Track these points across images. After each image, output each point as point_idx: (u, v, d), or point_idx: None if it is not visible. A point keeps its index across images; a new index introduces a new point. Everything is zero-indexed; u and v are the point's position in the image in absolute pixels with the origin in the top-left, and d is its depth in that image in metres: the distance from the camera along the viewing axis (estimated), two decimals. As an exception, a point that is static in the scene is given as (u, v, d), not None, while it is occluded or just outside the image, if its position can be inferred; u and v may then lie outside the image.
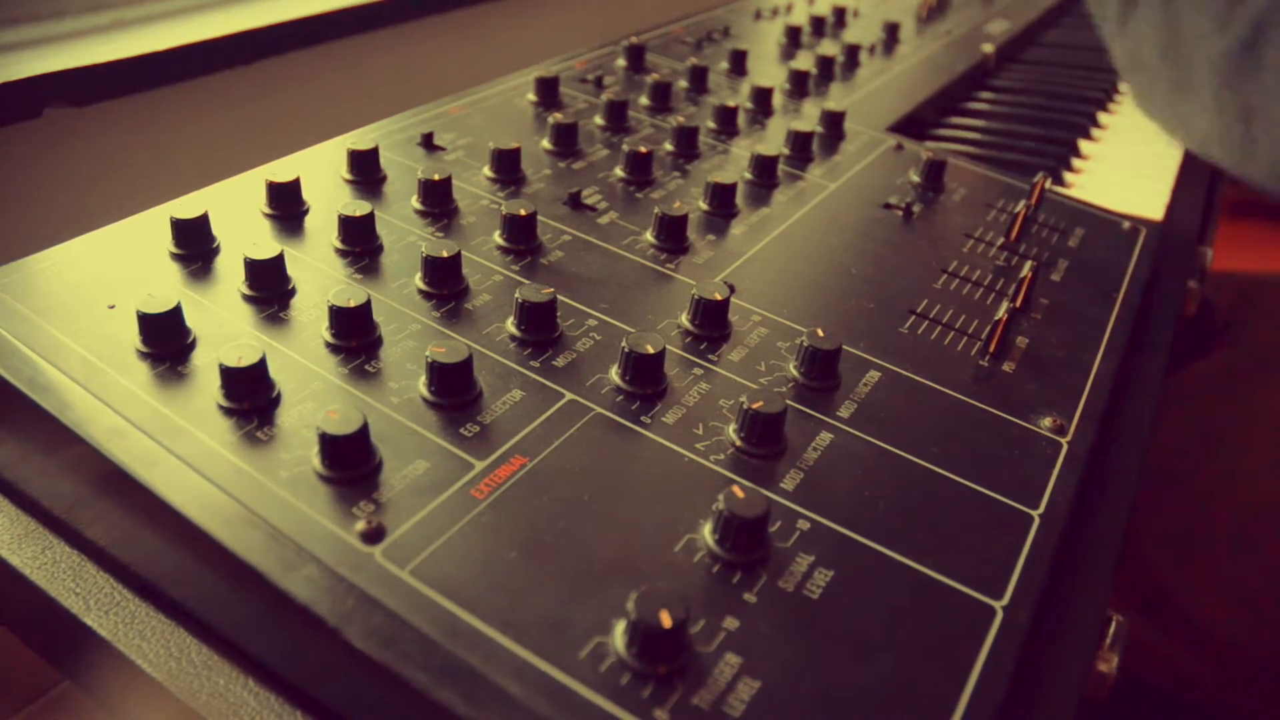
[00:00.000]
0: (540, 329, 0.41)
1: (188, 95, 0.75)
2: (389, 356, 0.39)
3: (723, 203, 0.54)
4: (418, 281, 0.43)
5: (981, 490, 0.37)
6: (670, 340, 0.42)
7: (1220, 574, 0.61)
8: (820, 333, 0.41)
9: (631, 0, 1.20)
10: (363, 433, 0.33)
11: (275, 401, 0.35)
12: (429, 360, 0.36)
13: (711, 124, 0.64)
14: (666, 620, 0.27)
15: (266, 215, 0.47)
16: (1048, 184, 0.60)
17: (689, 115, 0.65)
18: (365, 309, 0.39)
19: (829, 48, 0.80)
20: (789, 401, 0.39)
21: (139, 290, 0.39)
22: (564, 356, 0.40)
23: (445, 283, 0.43)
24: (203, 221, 0.43)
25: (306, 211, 0.48)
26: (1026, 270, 0.49)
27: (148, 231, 0.44)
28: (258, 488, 0.32)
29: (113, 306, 0.39)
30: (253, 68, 0.78)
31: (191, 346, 0.38)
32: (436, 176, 0.49)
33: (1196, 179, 0.78)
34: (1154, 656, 0.62)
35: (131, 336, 0.37)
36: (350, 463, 0.33)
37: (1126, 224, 0.61)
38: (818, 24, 0.89)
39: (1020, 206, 0.56)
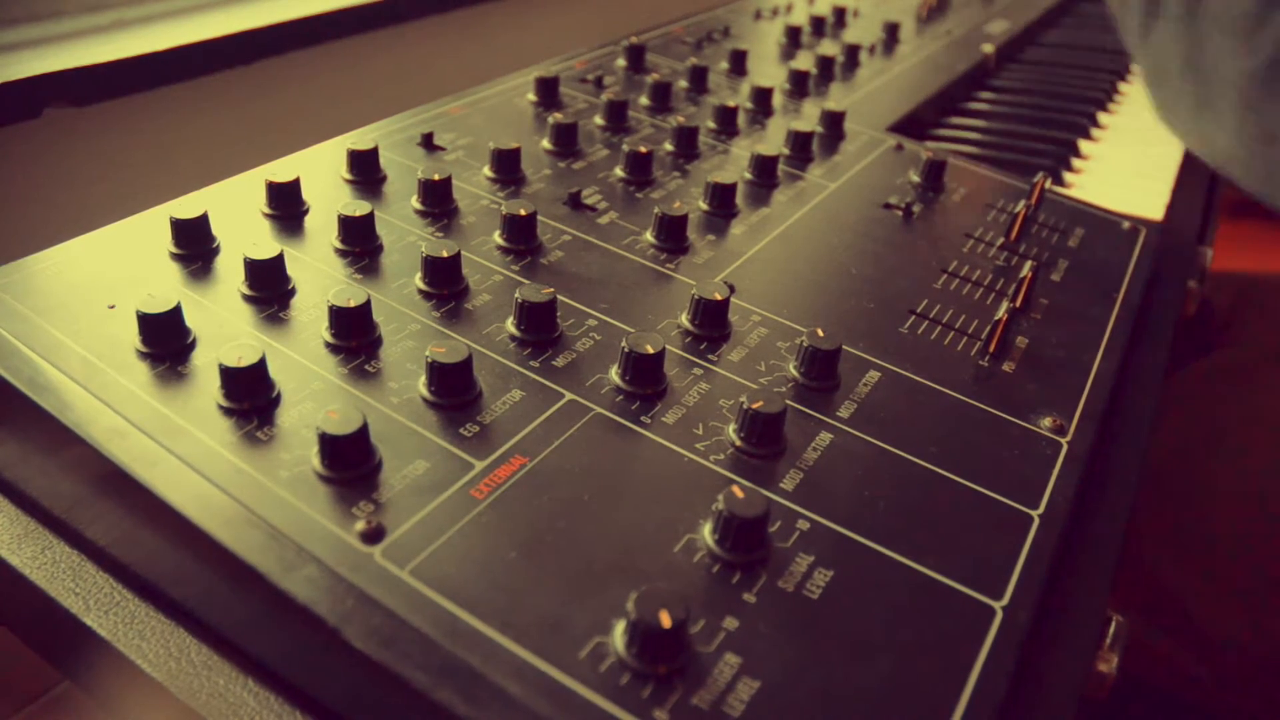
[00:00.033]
0: (540, 329, 0.41)
1: (188, 95, 0.75)
2: (389, 356, 0.39)
3: (723, 203, 0.54)
4: (418, 281, 0.43)
5: (981, 490, 0.37)
6: (670, 340, 0.42)
7: (1220, 574, 0.61)
8: (820, 333, 0.41)
9: (631, 0, 1.20)
10: (363, 433, 0.33)
11: (275, 401, 0.35)
12: (429, 360, 0.36)
13: (711, 124, 0.64)
14: (666, 620, 0.27)
15: (266, 215, 0.47)
16: (1048, 184, 0.60)
17: (689, 115, 0.65)
18: (365, 309, 0.39)
19: (829, 48, 0.80)
20: (789, 401, 0.39)
21: (139, 290, 0.39)
22: (564, 356, 0.40)
23: (445, 283, 0.43)
24: (203, 221, 0.43)
25: (306, 211, 0.48)
26: (1026, 270, 0.49)
27: (148, 231, 0.44)
28: (258, 488, 0.32)
29: (113, 306, 0.39)
30: (253, 68, 0.79)
31: (191, 346, 0.38)
32: (436, 176, 0.49)
33: (1196, 179, 0.78)
34: (1154, 656, 0.62)
35: (131, 336, 0.37)
36: (350, 463, 0.33)
37: (1126, 224, 0.61)
38: (818, 24, 0.89)
39: (1020, 206, 0.56)
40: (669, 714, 0.27)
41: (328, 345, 0.39)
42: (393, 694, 0.28)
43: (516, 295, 0.41)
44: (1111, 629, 0.36)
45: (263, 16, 0.79)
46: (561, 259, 0.47)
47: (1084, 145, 0.82)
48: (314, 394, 0.36)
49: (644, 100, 0.66)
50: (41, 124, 0.66)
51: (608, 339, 0.42)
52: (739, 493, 0.32)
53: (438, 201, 0.50)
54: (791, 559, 0.32)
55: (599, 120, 0.62)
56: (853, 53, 0.82)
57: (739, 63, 0.75)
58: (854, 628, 0.30)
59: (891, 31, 0.90)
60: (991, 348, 0.45)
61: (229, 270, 0.42)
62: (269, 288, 0.41)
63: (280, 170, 0.48)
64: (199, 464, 0.32)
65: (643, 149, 0.55)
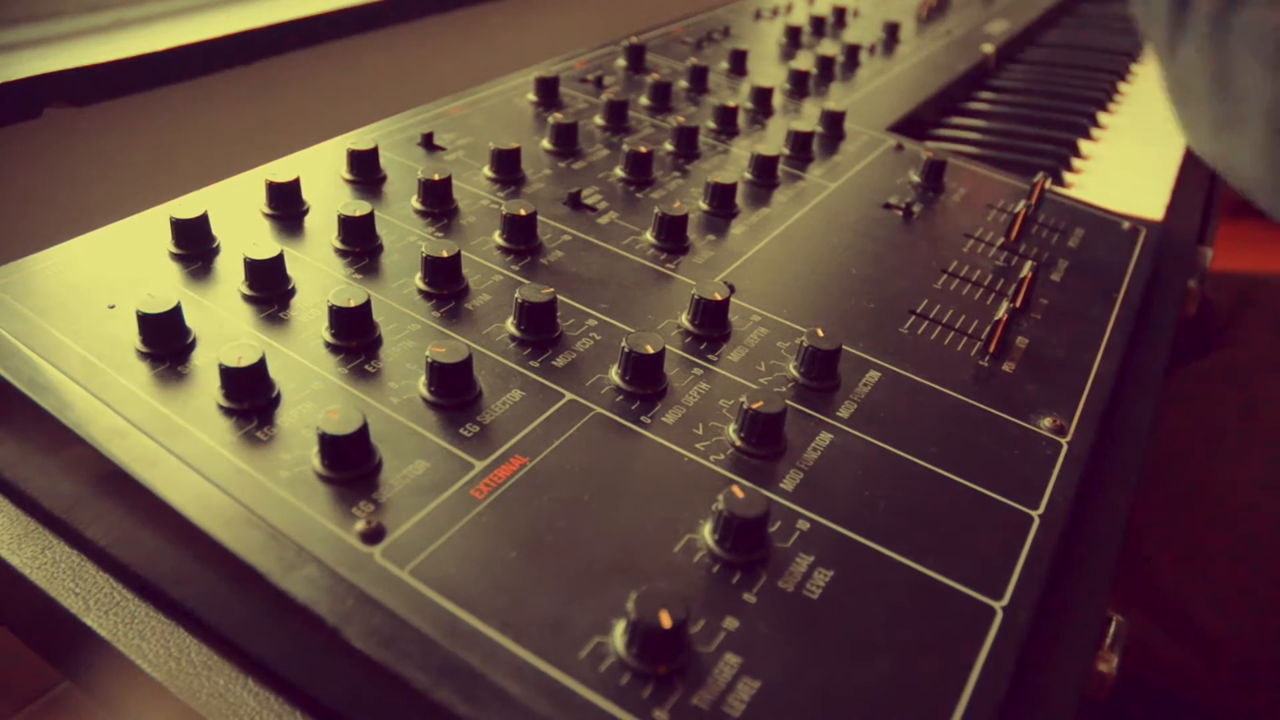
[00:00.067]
0: (540, 329, 0.41)
1: (188, 95, 0.75)
2: (389, 356, 0.39)
3: (723, 203, 0.54)
4: (418, 281, 0.43)
5: (981, 490, 0.37)
6: (670, 340, 0.42)
7: (1220, 574, 0.61)
8: (820, 333, 0.41)
9: (631, 0, 1.20)
10: (363, 433, 0.33)
11: (275, 401, 0.35)
12: (429, 360, 0.36)
13: (711, 124, 0.64)
14: (666, 620, 0.27)
15: (266, 215, 0.47)
16: (1048, 184, 0.60)
17: (689, 115, 0.65)
18: (365, 309, 0.39)
19: (829, 48, 0.80)
20: (789, 401, 0.39)
21: (139, 290, 0.39)
22: (564, 356, 0.40)
23: (445, 283, 0.43)
24: (203, 221, 0.43)
25: (306, 211, 0.48)
26: (1026, 270, 0.49)
27: (148, 231, 0.44)
28: (258, 488, 0.32)
29: (113, 306, 0.39)
30: (253, 68, 0.79)
31: (191, 346, 0.38)
32: (436, 176, 0.49)
33: (1196, 179, 0.78)
34: (1154, 656, 0.62)
35: (131, 336, 0.37)
36: (350, 463, 0.33)
37: (1126, 224, 0.61)
38: (818, 24, 0.89)
39: (1020, 206, 0.56)
40: (669, 714, 0.27)
41: (328, 345, 0.39)
42: (393, 694, 0.28)
43: (516, 295, 0.41)
44: (1111, 629, 0.36)
45: (263, 16, 0.79)
46: (561, 259, 0.47)
47: (1084, 145, 0.82)
48: (314, 394, 0.36)
49: (644, 100, 0.66)
50: (41, 124, 0.66)
51: (608, 339, 0.42)
52: (739, 493, 0.32)
53: (438, 201, 0.50)
54: (791, 559, 0.32)
55: (599, 120, 0.62)
56: (853, 53, 0.82)
57: (739, 63, 0.75)
58: (854, 628, 0.30)
59: (891, 31, 0.90)
60: (991, 348, 0.45)
61: (229, 270, 0.42)
62: (269, 288, 0.41)
63: (280, 170, 0.48)
64: (199, 464, 0.32)
65: (643, 149, 0.55)
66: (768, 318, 0.45)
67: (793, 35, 0.84)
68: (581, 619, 0.29)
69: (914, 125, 0.75)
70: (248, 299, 0.41)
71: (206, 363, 0.37)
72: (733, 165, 0.60)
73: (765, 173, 0.58)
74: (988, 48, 0.94)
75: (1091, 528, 0.39)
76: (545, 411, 0.37)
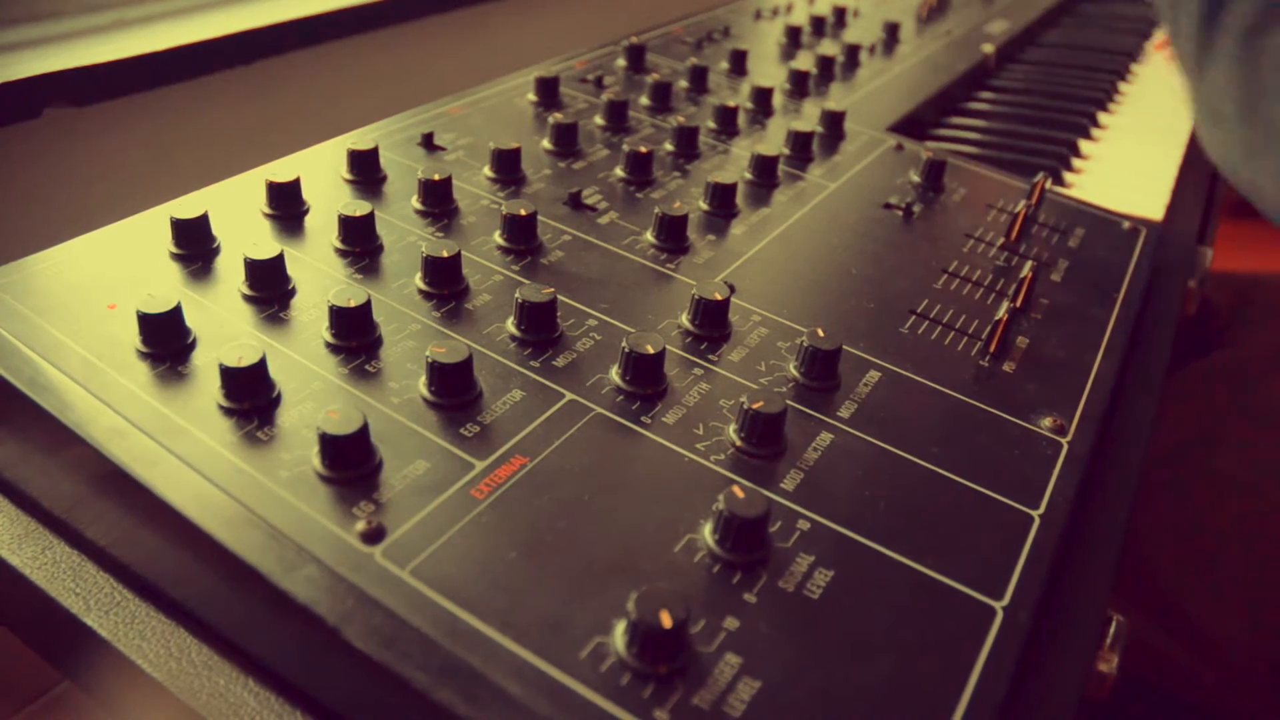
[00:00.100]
0: (540, 329, 0.41)
1: (188, 95, 0.75)
2: (389, 356, 0.39)
3: (723, 203, 0.54)
4: (418, 281, 0.43)
5: (981, 490, 0.37)
6: (670, 340, 0.42)
7: (1221, 574, 0.61)
8: (820, 333, 0.41)
9: (631, 0, 1.20)
10: (363, 433, 0.33)
11: (275, 401, 0.35)
12: (429, 360, 0.36)
13: (711, 124, 0.64)
14: (667, 620, 0.27)
15: (266, 215, 0.47)
16: (1048, 184, 0.60)
17: (689, 115, 0.65)
18: (365, 309, 0.39)
19: (829, 48, 0.80)
20: (789, 401, 0.39)
21: (139, 290, 0.39)
22: (564, 356, 0.40)
23: (445, 283, 0.43)
24: (203, 221, 0.43)
25: (306, 211, 0.48)
26: (1026, 270, 0.49)
27: (148, 231, 0.44)
28: (258, 488, 0.32)
29: (113, 306, 0.39)
30: (253, 68, 0.78)
31: (191, 346, 0.38)
32: (436, 176, 0.49)
33: (1196, 179, 0.78)
34: (1154, 656, 0.62)
35: (131, 336, 0.37)
36: (350, 463, 0.33)
37: (1126, 224, 0.61)
38: (818, 24, 0.89)
39: (1020, 206, 0.56)
40: (669, 714, 0.27)
41: (328, 345, 0.39)
42: (393, 694, 0.28)
43: (517, 295, 0.41)
44: (1111, 629, 0.36)
45: (263, 16, 0.79)
46: (562, 259, 0.47)
47: (1084, 145, 0.82)
48: (314, 394, 0.36)
49: (644, 100, 0.66)
50: (41, 124, 0.66)
51: (608, 339, 0.42)
52: (739, 493, 0.32)
53: (438, 201, 0.50)
54: (792, 559, 0.32)
55: (599, 120, 0.62)
56: (853, 53, 0.82)
57: (739, 63, 0.75)
58: (854, 628, 0.30)
59: (891, 31, 0.90)
60: (992, 348, 0.45)
61: (229, 270, 0.42)
62: (269, 288, 0.41)
63: (280, 170, 0.48)
64: (199, 464, 0.32)
65: (643, 149, 0.55)
66: (768, 318, 0.45)
67: (793, 35, 0.84)
68: (582, 619, 0.29)
69: (914, 125, 0.75)
70: (248, 299, 0.41)
71: (207, 363, 0.37)
72: (733, 165, 0.60)
73: (765, 173, 0.58)
74: (988, 48, 0.94)
75: (1091, 528, 0.39)
76: (546, 411, 0.37)
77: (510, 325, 0.41)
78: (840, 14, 0.92)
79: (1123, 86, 0.99)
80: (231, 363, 0.34)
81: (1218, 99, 0.51)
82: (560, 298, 0.44)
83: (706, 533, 0.32)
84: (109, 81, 0.68)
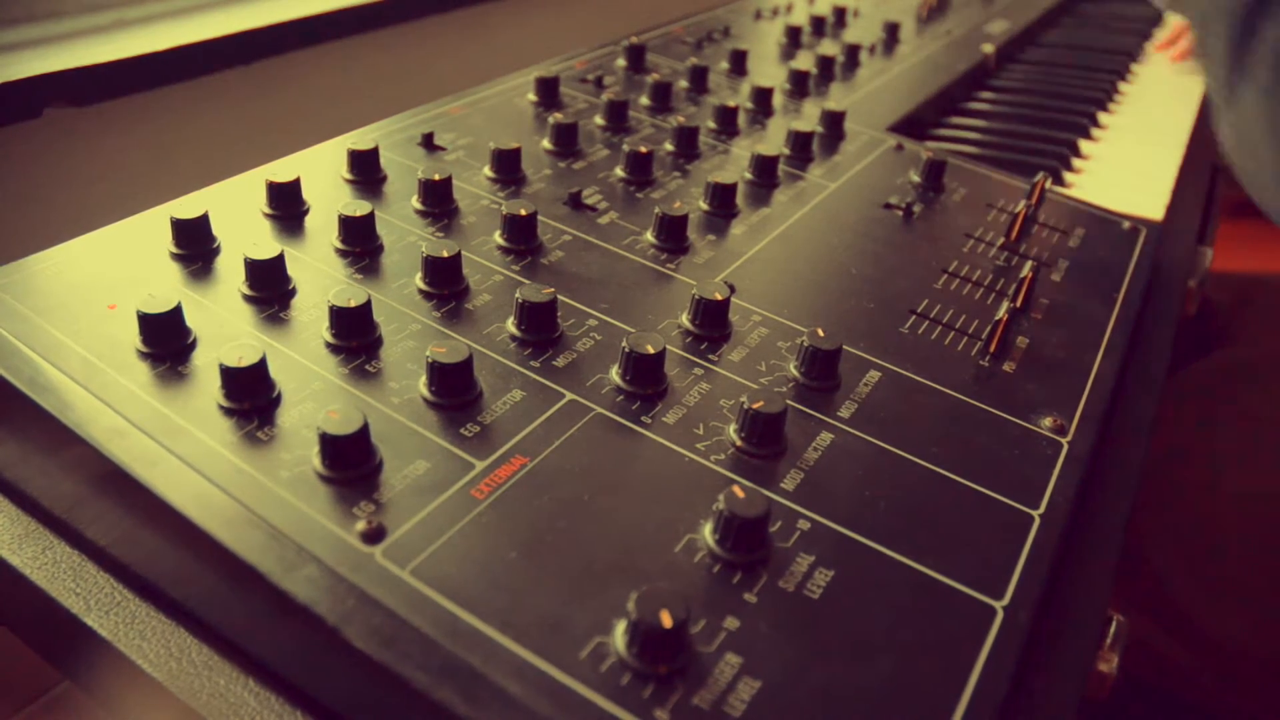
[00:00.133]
0: (540, 329, 0.41)
1: (188, 95, 0.75)
2: (389, 356, 0.39)
3: (723, 203, 0.54)
4: (418, 281, 0.43)
5: (982, 490, 0.37)
6: (670, 340, 0.42)
7: (1220, 574, 0.61)
8: (820, 333, 0.41)
9: (631, 0, 1.20)
10: (363, 433, 0.33)
11: (275, 401, 0.35)
12: (429, 360, 0.36)
13: (712, 124, 0.64)
14: (667, 620, 0.27)
15: (267, 215, 0.47)
16: (1048, 184, 0.60)
17: (689, 115, 0.65)
18: (365, 309, 0.39)
19: (829, 48, 0.80)
20: (789, 401, 0.39)
21: (139, 290, 0.39)
22: (564, 356, 0.40)
23: (445, 283, 0.43)
24: (203, 221, 0.43)
25: (306, 211, 0.48)
26: (1026, 270, 0.49)
27: (148, 231, 0.44)
28: (258, 488, 0.32)
29: (113, 306, 0.39)
30: (253, 68, 0.78)
31: (192, 346, 0.38)
32: (437, 176, 0.49)
33: (1196, 179, 0.78)
34: (1154, 656, 0.62)
35: (131, 336, 0.37)
36: (350, 463, 0.33)
37: (1126, 224, 0.61)
38: (818, 24, 0.89)
39: (1020, 206, 0.56)
40: (670, 714, 0.27)
41: (328, 345, 0.39)
42: (393, 694, 0.28)
43: (517, 295, 0.41)
44: (1111, 629, 0.36)
45: (263, 16, 0.79)
46: (562, 259, 0.47)
47: (1084, 145, 0.82)
48: (314, 394, 0.36)
49: (644, 100, 0.66)
50: (41, 124, 0.66)
51: (608, 339, 0.42)
52: (740, 493, 0.32)
53: (438, 201, 0.50)
54: (792, 559, 0.32)
55: (599, 120, 0.62)
56: (853, 53, 0.82)
57: (739, 63, 0.75)
58: (854, 628, 0.30)
59: (891, 31, 0.90)
60: (992, 348, 0.45)
61: (229, 270, 0.42)
62: (269, 288, 0.41)
63: (280, 170, 0.48)
64: (199, 464, 0.32)
65: (643, 149, 0.55)
66: (768, 318, 0.45)
67: (793, 35, 0.84)
68: (582, 619, 0.29)
69: (914, 125, 0.75)
70: (248, 299, 0.41)
71: (207, 363, 0.37)
72: (733, 165, 0.60)
73: (765, 173, 0.58)
74: (988, 48, 0.94)
75: (1091, 528, 0.39)
76: (546, 411, 0.37)
77: (510, 325, 0.41)
78: (840, 14, 0.92)
79: (1123, 86, 0.99)
80: (232, 363, 0.34)
81: (1248, 128, 0.50)
82: (560, 298, 0.44)
83: (706, 533, 0.32)
84: (109, 81, 0.68)
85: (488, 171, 0.54)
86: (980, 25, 1.02)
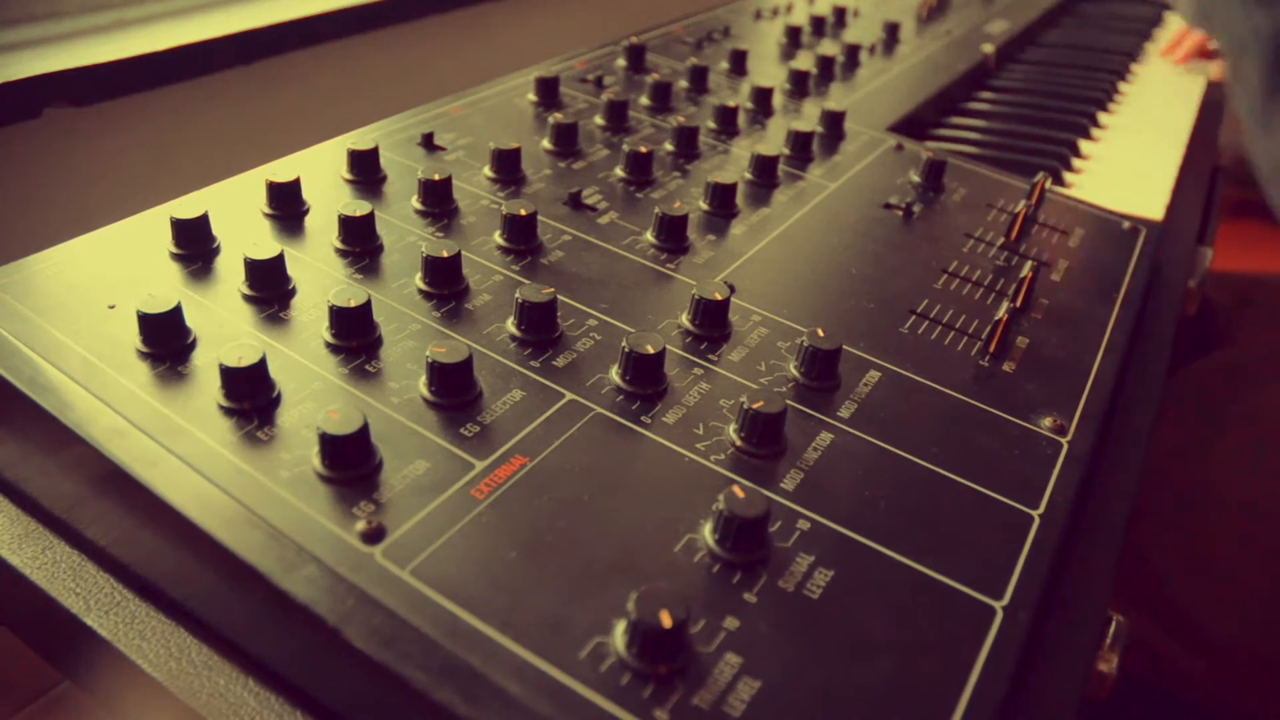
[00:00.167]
0: (540, 329, 0.41)
1: (188, 95, 0.75)
2: (389, 356, 0.39)
3: (723, 203, 0.54)
4: (418, 281, 0.43)
5: (981, 490, 0.37)
6: (670, 340, 0.42)
7: (1221, 574, 0.61)
8: (820, 333, 0.41)
9: (631, 0, 1.20)
10: (363, 433, 0.33)
11: (275, 401, 0.35)
12: (429, 360, 0.36)
13: (711, 124, 0.64)
14: (667, 620, 0.27)
15: (266, 215, 0.47)
16: (1048, 184, 0.60)
17: (689, 115, 0.65)
18: (365, 309, 0.39)
19: (829, 48, 0.80)
20: (789, 401, 0.39)
21: (139, 290, 0.39)
22: (564, 356, 0.40)
23: (445, 283, 0.43)
24: (203, 221, 0.43)
25: (306, 211, 0.48)
26: (1026, 270, 0.49)
27: (148, 231, 0.44)
28: (258, 488, 0.32)
29: (113, 306, 0.39)
30: (253, 68, 0.79)
31: (192, 346, 0.38)
32: (436, 176, 0.49)
33: (1196, 179, 0.78)
34: (1154, 656, 0.62)
35: (131, 336, 0.37)
36: (350, 463, 0.33)
37: (1126, 224, 0.61)
38: (818, 24, 0.89)
39: (1020, 206, 0.56)
40: (669, 714, 0.27)
41: (328, 345, 0.39)
42: (393, 694, 0.28)
43: (517, 295, 0.41)
44: (1111, 629, 0.36)
45: (263, 16, 0.79)
46: (562, 259, 0.47)
47: (1084, 145, 0.82)
48: (314, 394, 0.36)
49: (644, 100, 0.66)
50: (41, 124, 0.66)
51: (608, 339, 0.42)
52: (739, 493, 0.32)
53: (438, 201, 0.50)
54: (792, 559, 0.32)
55: (599, 120, 0.62)
56: (853, 53, 0.82)
57: (739, 63, 0.75)
58: (854, 628, 0.30)
59: (891, 31, 0.90)
60: (992, 348, 0.45)
61: (229, 270, 0.42)
62: (269, 288, 0.41)
63: (280, 170, 0.48)
64: (199, 464, 0.32)
65: (643, 149, 0.55)
66: (768, 318, 0.45)
67: (793, 35, 0.84)
68: (582, 619, 0.29)
69: (914, 125, 0.75)
70: (248, 299, 0.41)
71: (207, 363, 0.37)
72: (733, 165, 0.60)
73: (765, 173, 0.58)
74: (988, 48, 0.94)
75: (1091, 528, 0.39)
76: (545, 411, 0.37)
77: (510, 325, 0.41)
78: (840, 14, 0.92)
79: (1123, 86, 0.99)
80: (231, 363, 0.34)
81: None
82: (560, 298, 0.44)
83: (706, 532, 0.32)
84: (109, 81, 0.68)
85: (488, 171, 0.54)
86: (980, 25, 1.02)
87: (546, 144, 0.58)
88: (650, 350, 0.38)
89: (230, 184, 0.49)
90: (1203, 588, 0.61)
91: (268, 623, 0.32)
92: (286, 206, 0.47)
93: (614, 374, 0.39)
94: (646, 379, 0.39)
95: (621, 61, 0.73)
